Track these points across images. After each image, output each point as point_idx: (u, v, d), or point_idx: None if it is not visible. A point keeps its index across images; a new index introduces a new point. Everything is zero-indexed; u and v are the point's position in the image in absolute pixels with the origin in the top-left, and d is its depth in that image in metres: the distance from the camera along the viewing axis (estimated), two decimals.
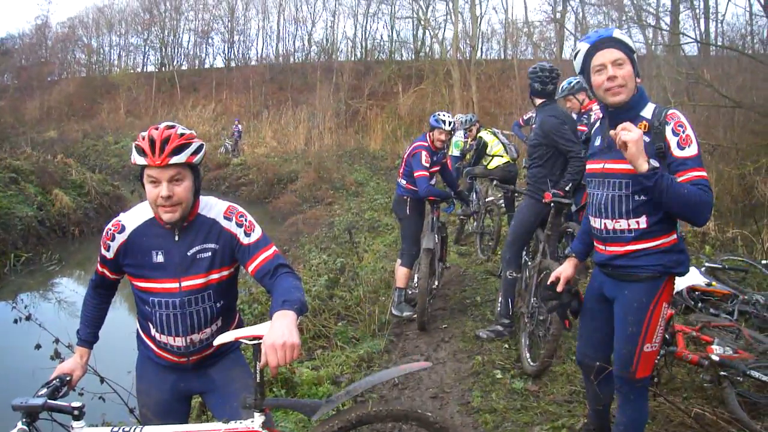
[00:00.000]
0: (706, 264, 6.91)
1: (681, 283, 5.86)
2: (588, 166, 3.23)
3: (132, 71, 41.56)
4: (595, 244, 3.21)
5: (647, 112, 2.95)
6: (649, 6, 25.93)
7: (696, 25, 25.49)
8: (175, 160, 2.53)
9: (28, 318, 4.75)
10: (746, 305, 5.95)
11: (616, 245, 3.03)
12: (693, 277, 6.24)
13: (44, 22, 45.01)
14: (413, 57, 35.47)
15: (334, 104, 30.48)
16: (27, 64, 44.32)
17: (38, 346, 4.64)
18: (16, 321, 4.89)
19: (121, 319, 6.82)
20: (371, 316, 6.76)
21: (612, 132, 2.80)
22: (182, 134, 2.58)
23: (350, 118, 30.54)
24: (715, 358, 4.16)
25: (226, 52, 41.25)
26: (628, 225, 2.96)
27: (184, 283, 2.70)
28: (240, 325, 3.01)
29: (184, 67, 41.37)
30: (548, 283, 3.46)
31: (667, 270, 2.96)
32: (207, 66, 41.33)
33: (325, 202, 17.94)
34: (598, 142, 3.19)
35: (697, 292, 6.20)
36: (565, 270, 3.39)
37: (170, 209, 2.59)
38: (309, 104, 30.53)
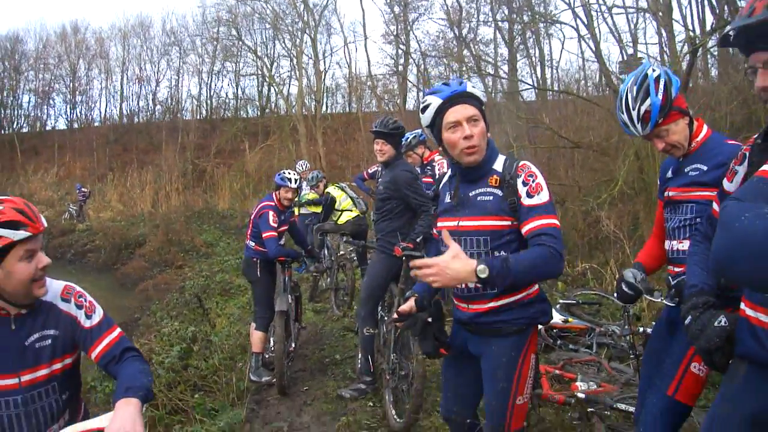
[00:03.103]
0: (561, 301, 7.17)
1: None
2: (440, 224, 3.07)
3: None
4: (456, 302, 3.08)
5: (498, 164, 2.89)
6: (487, 56, 27.39)
7: (533, 72, 27.21)
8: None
9: None
10: (603, 337, 6.16)
11: (479, 303, 2.91)
12: None
13: None
14: (259, 113, 35.44)
15: (181, 164, 29.92)
16: None
17: None
18: None
19: None
20: (229, 384, 6.53)
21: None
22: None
23: (197, 178, 30.03)
24: (581, 395, 4.25)
25: (68, 113, 39.50)
26: None
27: (25, 378, 2.40)
28: (85, 415, 2.75)
29: (24, 130, 39.02)
30: (396, 314, 3.20)
31: (533, 321, 2.93)
32: (48, 128, 39.26)
33: (175, 265, 17.34)
34: (448, 198, 3.05)
35: (555, 330, 6.42)
36: (408, 305, 3.16)
37: (43, 281, 2.42)
38: (155, 165, 29.90)
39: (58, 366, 2.51)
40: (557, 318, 6.48)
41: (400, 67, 31.34)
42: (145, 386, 2.37)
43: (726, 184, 2.43)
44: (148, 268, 17.79)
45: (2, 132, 38.52)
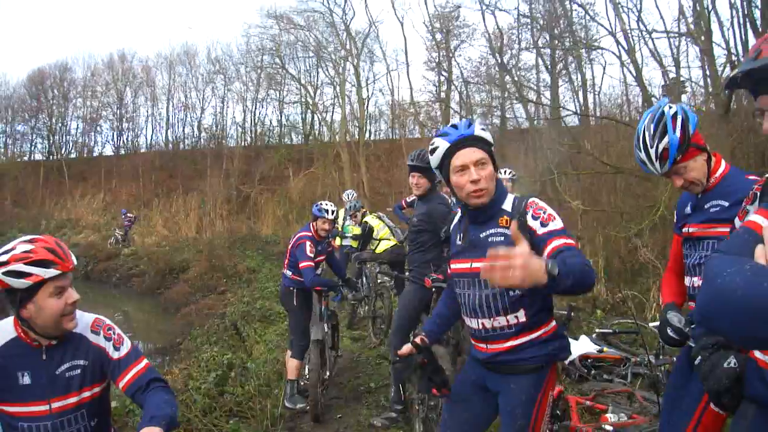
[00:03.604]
0: (597, 330, 7.10)
1: (573, 352, 5.91)
2: (453, 266, 3.07)
3: (19, 160, 39.84)
4: (473, 342, 3.06)
5: (507, 204, 2.89)
6: (529, 83, 27.32)
7: (575, 97, 26.95)
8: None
9: None
10: (639, 367, 6.09)
11: (498, 342, 2.90)
12: (584, 346, 6.38)
13: None
14: (303, 141, 35.73)
15: (225, 190, 30.30)
16: None
17: None
18: None
19: None
20: (263, 410, 6.60)
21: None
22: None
23: (241, 204, 30.31)
24: (609, 427, 4.19)
25: (115, 139, 40.47)
26: (508, 321, 2.84)
27: (55, 405, 2.56)
28: None
29: (72, 156, 40.12)
30: (396, 357, 3.21)
31: (551, 359, 2.90)
32: (96, 154, 40.31)
33: (218, 291, 17.53)
34: (459, 240, 3.06)
35: (589, 360, 6.35)
36: (407, 347, 3.16)
37: (73, 315, 2.55)
38: (200, 191, 30.27)
39: (87, 394, 2.65)
40: (592, 348, 6.43)
41: (443, 94, 31.38)
42: (169, 416, 2.46)
43: (738, 223, 2.39)
44: (191, 293, 18.01)
45: (51, 158, 39.52)
